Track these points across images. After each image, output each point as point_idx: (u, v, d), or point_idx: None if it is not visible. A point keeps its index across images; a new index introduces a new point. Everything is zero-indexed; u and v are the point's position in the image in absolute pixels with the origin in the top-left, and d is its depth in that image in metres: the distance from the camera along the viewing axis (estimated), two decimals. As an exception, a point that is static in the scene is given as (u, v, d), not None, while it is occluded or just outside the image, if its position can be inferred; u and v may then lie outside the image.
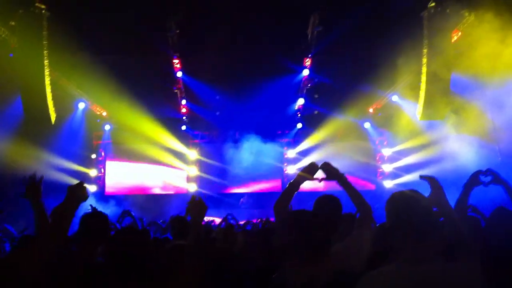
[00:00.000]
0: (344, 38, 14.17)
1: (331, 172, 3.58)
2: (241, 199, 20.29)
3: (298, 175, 3.56)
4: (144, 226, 8.97)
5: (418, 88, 14.07)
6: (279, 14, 13.49)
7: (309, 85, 17.80)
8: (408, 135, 17.75)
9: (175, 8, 13.62)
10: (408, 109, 16.95)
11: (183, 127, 20.79)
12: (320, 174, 3.59)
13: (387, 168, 21.11)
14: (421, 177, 3.26)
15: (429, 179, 3.20)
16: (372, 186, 20.80)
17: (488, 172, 3.65)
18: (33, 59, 12.78)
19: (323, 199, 4.00)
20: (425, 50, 13.38)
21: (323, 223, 2.78)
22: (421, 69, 13.72)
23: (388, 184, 20.73)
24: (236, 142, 20.74)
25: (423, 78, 13.68)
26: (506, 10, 10.89)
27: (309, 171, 3.53)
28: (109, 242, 3.59)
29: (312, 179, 3.53)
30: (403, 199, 2.58)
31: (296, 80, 17.68)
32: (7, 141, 14.23)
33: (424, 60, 13.50)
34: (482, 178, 3.64)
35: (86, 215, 4.16)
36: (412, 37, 13.32)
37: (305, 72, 17.03)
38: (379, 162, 21.52)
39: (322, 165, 3.59)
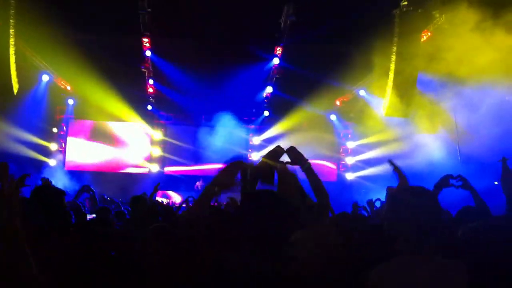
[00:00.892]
0: (316, 30, 14.21)
1: (296, 157, 3.51)
2: (197, 183, 20.19)
3: (262, 159, 3.49)
4: (102, 202, 8.89)
5: (385, 84, 14.27)
6: (253, 1, 13.44)
7: (278, 74, 17.84)
8: (373, 130, 18.01)
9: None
10: (374, 104, 17.18)
11: (149, 107, 20.56)
12: (284, 158, 3.57)
13: (349, 160, 21.43)
14: (390, 162, 3.32)
15: (396, 169, 3.28)
16: (333, 178, 21.09)
17: (458, 178, 3.89)
18: (-1, 27, 12.43)
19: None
20: (394, 48, 13.55)
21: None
22: (390, 66, 13.92)
23: (350, 176, 21.06)
24: (202, 125, 20.69)
25: (391, 75, 13.87)
26: (476, 14, 11.10)
27: (273, 155, 3.46)
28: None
29: (275, 163, 3.44)
30: (412, 196, 2.62)
31: (266, 68, 17.68)
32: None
33: (393, 57, 13.68)
34: (452, 181, 3.88)
35: (38, 187, 4.05)
36: (384, 34, 13.47)
37: (275, 61, 17.04)
38: (342, 155, 21.81)
39: (288, 149, 3.51)
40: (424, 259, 2.47)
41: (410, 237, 2.51)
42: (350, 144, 21.48)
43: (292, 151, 3.50)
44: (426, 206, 2.56)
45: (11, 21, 12.35)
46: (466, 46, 11.47)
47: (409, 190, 2.75)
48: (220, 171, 2.80)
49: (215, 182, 2.73)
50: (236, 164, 2.85)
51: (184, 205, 10.07)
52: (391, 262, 2.51)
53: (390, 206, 2.71)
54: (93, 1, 13.02)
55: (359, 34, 13.61)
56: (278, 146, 3.51)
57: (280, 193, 2.73)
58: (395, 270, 2.48)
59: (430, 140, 15.11)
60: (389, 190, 2.81)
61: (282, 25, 14.85)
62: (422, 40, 13.63)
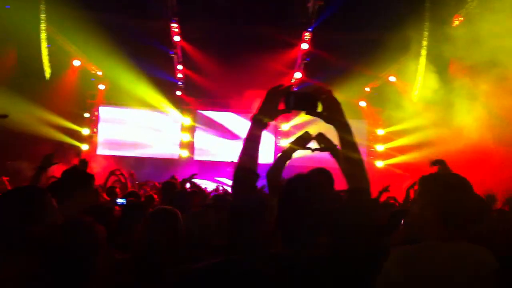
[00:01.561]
0: (344, 15, 14.02)
1: (326, 143, 3.46)
2: (228, 169, 20.25)
3: (291, 144, 3.49)
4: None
5: (416, 70, 14.04)
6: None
7: (307, 59, 17.67)
8: (404, 116, 17.70)
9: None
10: (405, 90, 16.88)
11: (178, 93, 20.66)
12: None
13: (379, 148, 21.17)
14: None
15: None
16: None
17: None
18: (30, 12, 12.62)
19: (315, 171, 3.98)
20: (425, 33, 13.29)
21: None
22: (421, 52, 13.66)
23: (380, 164, 20.81)
24: (231, 110, 20.74)
25: (422, 60, 13.64)
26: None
27: (301, 141, 3.44)
28: None
29: (304, 148, 3.42)
30: (450, 185, 2.55)
31: (294, 54, 17.54)
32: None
33: (424, 42, 13.44)
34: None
35: (68, 170, 4.15)
36: (414, 18, 13.20)
37: (304, 46, 16.87)
38: (373, 142, 21.55)
39: (316, 135, 3.47)
40: (450, 244, 2.44)
41: (439, 224, 2.48)
42: (380, 131, 21.19)
43: (320, 137, 3.47)
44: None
45: (42, 6, 12.53)
46: (499, 31, 11.15)
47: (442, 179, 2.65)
48: (263, 99, 2.64)
49: (261, 111, 2.61)
50: (278, 90, 2.66)
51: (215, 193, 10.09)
52: (415, 246, 2.48)
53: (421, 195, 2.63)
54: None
55: (389, 19, 13.35)
56: (306, 133, 3.46)
57: (325, 117, 2.58)
58: (419, 253, 2.44)
59: (466, 125, 14.67)
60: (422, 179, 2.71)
61: (310, 10, 14.69)
62: (454, 24, 13.29)
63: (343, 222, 2.31)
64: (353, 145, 2.56)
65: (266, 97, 2.64)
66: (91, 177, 4.20)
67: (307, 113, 2.60)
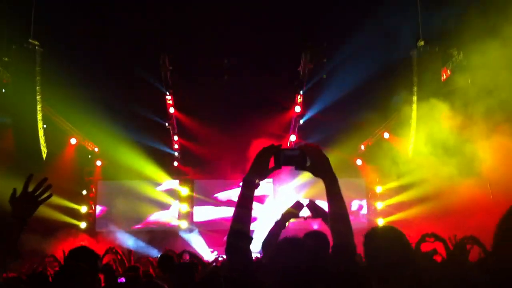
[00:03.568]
0: (335, 75, 14.34)
1: (316, 211, 3.62)
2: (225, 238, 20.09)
3: (284, 213, 3.65)
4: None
5: (409, 126, 14.17)
6: (271, 53, 13.70)
7: (301, 121, 17.89)
8: (400, 172, 17.72)
9: (168, 44, 13.82)
10: (399, 146, 16.98)
11: (175, 163, 20.75)
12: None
13: (379, 205, 21.04)
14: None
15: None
16: (364, 223, 20.66)
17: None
18: (26, 94, 12.88)
19: (310, 234, 3.99)
20: (415, 88, 13.54)
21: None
22: (412, 107, 13.86)
23: (381, 221, 20.61)
24: (228, 178, 20.73)
25: (414, 115, 13.80)
26: (494, 48, 11.05)
27: (295, 210, 3.63)
28: None
29: (297, 217, 3.61)
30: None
31: (288, 116, 17.80)
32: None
33: (414, 98, 13.65)
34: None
35: (75, 249, 4.10)
36: (403, 74, 13.50)
37: (297, 109, 17.13)
38: (372, 199, 21.44)
39: (308, 204, 3.66)
40: None
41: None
42: (378, 189, 21.13)
43: (312, 205, 3.67)
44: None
45: (38, 87, 12.77)
46: (488, 81, 11.38)
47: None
48: (254, 160, 2.68)
49: (251, 171, 2.64)
50: (268, 150, 2.71)
51: (214, 264, 9.92)
52: None
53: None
54: (114, 63, 13.41)
55: (378, 76, 13.65)
56: (298, 202, 3.71)
57: (313, 171, 2.67)
58: None
59: (461, 181, 14.67)
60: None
61: (301, 73, 15.04)
62: (442, 78, 13.59)
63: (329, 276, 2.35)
64: (339, 197, 2.62)
65: (256, 157, 2.69)
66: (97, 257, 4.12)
67: (296, 168, 2.68)
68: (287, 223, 3.67)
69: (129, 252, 8.02)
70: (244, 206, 2.62)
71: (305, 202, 3.74)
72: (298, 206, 3.67)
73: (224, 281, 2.67)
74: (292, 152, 2.71)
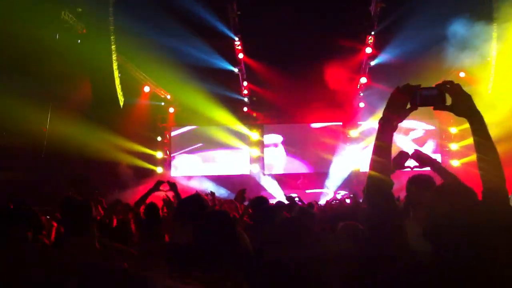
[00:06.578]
0: (408, 15, 13.78)
1: (423, 159, 3.44)
2: (298, 182, 20.27)
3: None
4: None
5: (487, 64, 13.56)
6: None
7: (372, 63, 17.44)
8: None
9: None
10: (477, 85, 16.28)
11: (245, 109, 20.93)
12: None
13: (454, 146, 20.48)
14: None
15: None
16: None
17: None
18: (101, 44, 13.16)
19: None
20: (494, 25, 12.87)
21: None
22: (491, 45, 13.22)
23: (456, 163, 20.12)
24: (297, 122, 20.81)
25: (493, 52, 13.19)
26: None
27: (399, 161, 3.41)
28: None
29: (404, 168, 3.40)
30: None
31: (358, 58, 17.39)
32: (78, 124, 14.73)
33: (495, 34, 13.00)
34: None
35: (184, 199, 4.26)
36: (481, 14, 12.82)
37: (368, 50, 16.69)
38: (446, 141, 20.89)
39: (413, 153, 3.45)
40: None
41: None
42: (453, 129, 20.49)
43: (417, 154, 3.47)
44: None
45: (112, 37, 13.03)
46: None
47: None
48: (388, 100, 2.49)
49: (387, 113, 2.45)
50: (403, 89, 2.47)
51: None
52: None
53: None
54: (183, 9, 13.44)
55: (455, 17, 13.02)
56: (402, 151, 3.47)
57: (455, 111, 2.45)
58: None
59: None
60: None
61: (372, 13, 14.55)
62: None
63: (477, 223, 2.17)
64: (487, 138, 2.45)
65: (391, 98, 2.50)
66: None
67: (435, 108, 2.50)
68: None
69: (213, 194, 8.15)
70: (382, 149, 2.46)
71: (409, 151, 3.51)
72: (402, 156, 3.45)
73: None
74: (430, 91, 2.51)
